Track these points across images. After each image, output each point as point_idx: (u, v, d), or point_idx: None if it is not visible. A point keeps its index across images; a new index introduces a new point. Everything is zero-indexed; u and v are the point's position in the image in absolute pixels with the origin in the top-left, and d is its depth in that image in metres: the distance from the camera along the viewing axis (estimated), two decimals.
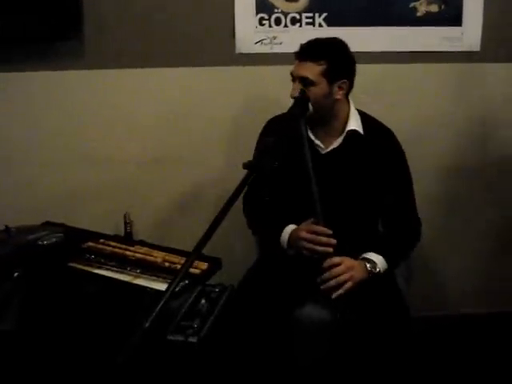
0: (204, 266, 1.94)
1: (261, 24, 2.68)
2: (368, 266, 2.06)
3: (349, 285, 1.98)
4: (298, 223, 2.13)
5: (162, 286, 1.81)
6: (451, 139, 2.94)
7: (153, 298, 1.72)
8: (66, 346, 1.76)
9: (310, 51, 2.08)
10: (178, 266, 1.92)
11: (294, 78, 2.09)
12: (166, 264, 1.95)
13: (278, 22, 2.69)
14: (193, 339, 1.68)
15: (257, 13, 2.67)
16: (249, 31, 2.69)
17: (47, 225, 2.25)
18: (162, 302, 1.35)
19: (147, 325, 1.30)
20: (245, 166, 1.72)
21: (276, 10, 2.68)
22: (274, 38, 2.69)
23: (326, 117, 2.17)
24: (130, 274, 1.91)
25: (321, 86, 2.07)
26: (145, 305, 1.70)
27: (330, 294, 1.97)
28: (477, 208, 3.03)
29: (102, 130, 2.75)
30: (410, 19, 2.75)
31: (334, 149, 2.20)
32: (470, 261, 3.09)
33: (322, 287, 1.98)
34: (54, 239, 2.09)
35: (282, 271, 2.15)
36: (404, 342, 2.06)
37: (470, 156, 2.97)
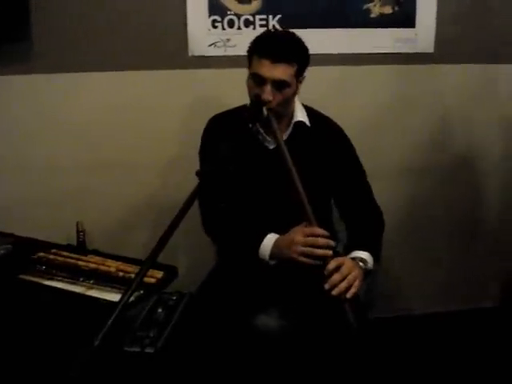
0: (159, 274, 1.89)
1: (214, 26, 2.65)
2: (361, 264, 2.00)
3: (357, 283, 1.91)
4: (267, 229, 2.06)
5: (115, 297, 1.76)
6: (406, 140, 2.97)
7: (106, 309, 1.67)
8: (17, 360, 1.69)
9: (285, 53, 1.99)
10: (133, 276, 1.87)
11: (265, 80, 1.98)
12: (120, 274, 1.90)
13: (231, 24, 2.66)
14: (150, 350, 1.64)
15: (210, 15, 2.64)
16: (202, 34, 2.65)
17: None
18: (113, 316, 1.30)
19: (97, 343, 1.25)
20: (198, 173, 1.68)
21: (229, 12, 2.65)
22: (228, 40, 2.66)
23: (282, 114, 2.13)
24: (82, 285, 1.84)
25: (293, 87, 2.04)
26: (98, 317, 1.64)
27: (343, 296, 1.87)
28: (431, 208, 3.07)
29: (51, 135, 2.69)
30: (363, 21, 2.76)
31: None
32: (427, 261, 3.13)
33: (334, 291, 1.86)
34: (2, 251, 2.02)
35: (240, 279, 2.10)
36: (361, 344, 2.03)
37: (424, 157, 3.00)
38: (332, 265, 1.89)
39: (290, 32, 2.12)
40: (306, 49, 2.07)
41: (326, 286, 1.86)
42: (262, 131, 2.14)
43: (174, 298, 1.88)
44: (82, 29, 2.59)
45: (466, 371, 2.61)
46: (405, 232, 3.03)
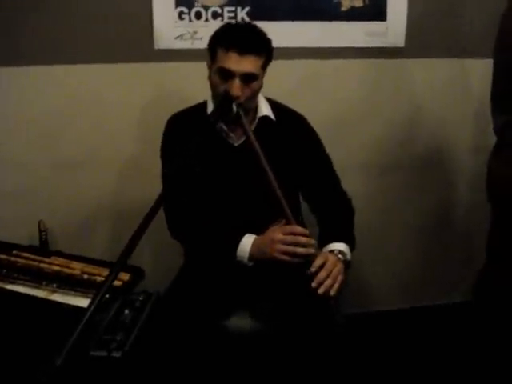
0: (126, 276, 1.84)
1: (180, 18, 2.58)
2: (340, 256, 1.98)
3: (341, 277, 1.89)
4: (238, 229, 2.01)
5: (80, 302, 1.72)
6: (375, 135, 2.95)
7: (70, 315, 1.61)
8: None
9: (253, 44, 1.94)
10: (98, 278, 1.83)
11: (233, 74, 1.92)
12: (85, 276, 1.85)
13: (198, 16, 2.59)
14: (116, 354, 1.62)
15: (176, 6, 2.56)
16: (168, 26, 2.58)
17: None
18: (78, 329, 1.24)
19: (59, 363, 1.19)
20: (165, 174, 1.62)
21: (196, 4, 2.58)
22: (195, 32, 2.60)
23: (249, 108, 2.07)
24: (45, 289, 1.79)
25: (260, 80, 1.99)
26: (62, 323, 1.58)
27: (328, 293, 1.85)
28: (400, 205, 3.07)
29: (12, 130, 2.59)
30: (334, 14, 2.71)
31: (246, 139, 2.09)
32: (393, 258, 3.14)
33: (320, 290, 1.84)
34: None
35: (210, 279, 2.05)
36: (329, 341, 2.00)
37: (394, 153, 2.99)
38: (318, 262, 1.87)
39: (251, 23, 2.09)
40: (270, 40, 2.02)
41: (314, 284, 1.84)
42: (225, 128, 2.08)
43: (141, 298, 1.86)
44: (41, 20, 2.50)
45: (438, 367, 2.63)
46: (374, 228, 3.01)
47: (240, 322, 1.95)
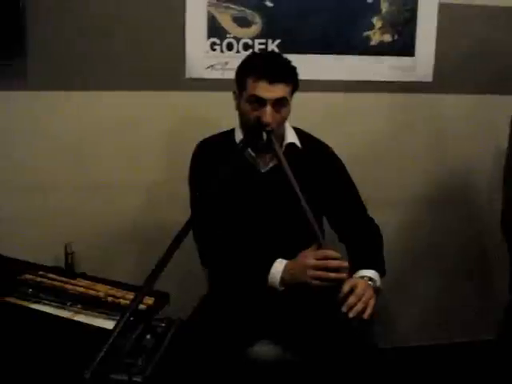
0: (150, 301, 1.84)
1: (212, 49, 2.63)
2: (370, 283, 1.97)
3: (372, 302, 1.89)
4: (268, 255, 2.02)
5: (104, 323, 1.71)
6: (401, 170, 2.96)
7: (94, 336, 1.62)
8: None
9: (281, 73, 2.00)
10: (122, 301, 1.82)
11: (264, 101, 1.97)
12: (110, 299, 1.84)
13: (230, 47, 2.64)
14: (137, 378, 1.58)
15: (208, 37, 2.62)
16: (200, 56, 2.63)
17: None
18: (105, 347, 1.25)
19: (88, 376, 1.20)
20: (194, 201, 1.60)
21: (228, 35, 2.63)
22: (226, 63, 2.64)
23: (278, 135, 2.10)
24: (70, 310, 1.78)
25: (289, 106, 2.04)
26: (85, 344, 1.59)
27: (358, 318, 1.85)
28: (433, 237, 3.07)
29: (41, 153, 2.63)
30: (363, 48, 2.76)
31: (273, 165, 2.13)
32: (415, 293, 3.12)
33: (350, 314, 1.84)
34: None
35: (235, 306, 2.05)
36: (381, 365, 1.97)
37: (420, 186, 3.00)
38: (347, 287, 1.87)
39: (276, 52, 2.13)
40: (296, 68, 2.07)
41: (344, 309, 1.85)
42: (253, 154, 2.11)
43: (163, 324, 1.82)
44: (78, 47, 2.56)
45: None
46: (406, 261, 3.01)
47: (264, 349, 1.95)
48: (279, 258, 2.00)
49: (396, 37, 2.76)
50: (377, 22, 2.74)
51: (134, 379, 1.58)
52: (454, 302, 3.16)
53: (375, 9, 2.73)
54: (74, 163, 2.67)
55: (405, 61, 2.79)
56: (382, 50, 2.76)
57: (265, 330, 1.99)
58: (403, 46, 2.78)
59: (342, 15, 2.71)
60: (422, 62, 2.81)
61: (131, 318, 1.71)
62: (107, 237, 2.74)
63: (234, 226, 2.12)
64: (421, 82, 2.84)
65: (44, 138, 2.62)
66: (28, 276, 1.97)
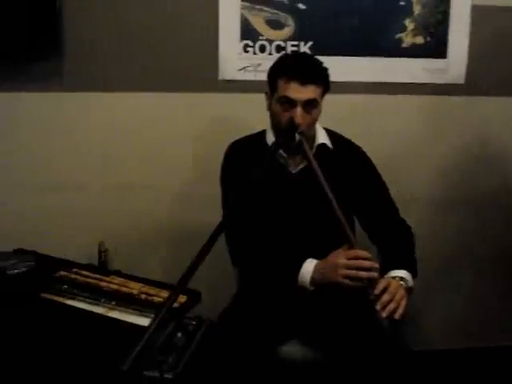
0: (183, 298, 1.86)
1: (245, 51, 2.66)
2: (402, 283, 1.96)
3: (404, 302, 1.88)
4: (298, 254, 2.02)
5: (137, 320, 1.74)
6: (432, 171, 2.95)
7: (128, 332, 1.64)
8: (38, 381, 1.67)
9: (313, 74, 2.00)
10: (155, 299, 1.85)
11: (295, 102, 1.97)
12: (143, 296, 1.87)
13: (262, 49, 2.66)
14: (168, 375, 1.60)
15: (241, 39, 2.64)
16: (233, 58, 2.66)
17: (18, 252, 2.16)
18: (143, 342, 1.27)
19: (126, 367, 1.22)
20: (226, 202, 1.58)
21: (261, 37, 2.66)
22: (259, 65, 2.66)
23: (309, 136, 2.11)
24: (104, 306, 1.81)
25: (320, 107, 2.04)
26: (119, 339, 1.62)
27: (391, 317, 1.85)
28: (463, 241, 3.04)
29: (75, 154, 2.68)
30: (395, 50, 2.76)
31: (304, 166, 2.13)
32: (452, 296, 3.10)
33: (384, 314, 1.84)
34: (25, 268, 2.00)
35: (263, 306, 2.06)
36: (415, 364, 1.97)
37: (454, 189, 2.98)
38: (381, 285, 1.87)
39: (308, 54, 2.13)
40: (327, 69, 2.07)
41: (378, 307, 1.84)
42: (284, 155, 2.12)
43: (194, 322, 1.83)
44: (114, 48, 2.61)
45: None
46: (435, 264, 2.99)
47: (293, 349, 1.96)
48: (309, 258, 2.00)
49: (428, 39, 2.75)
50: (409, 24, 2.74)
51: (166, 376, 1.60)
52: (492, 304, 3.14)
53: (407, 11, 2.73)
54: (107, 164, 2.71)
55: (437, 63, 2.78)
56: (414, 52, 2.76)
57: (294, 330, 1.99)
58: (435, 48, 2.77)
59: (374, 17, 2.71)
60: (454, 64, 2.80)
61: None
62: (139, 236, 2.78)
63: (264, 226, 2.13)
64: (453, 84, 2.83)
65: (76, 138, 2.67)
66: (63, 273, 2.01)
